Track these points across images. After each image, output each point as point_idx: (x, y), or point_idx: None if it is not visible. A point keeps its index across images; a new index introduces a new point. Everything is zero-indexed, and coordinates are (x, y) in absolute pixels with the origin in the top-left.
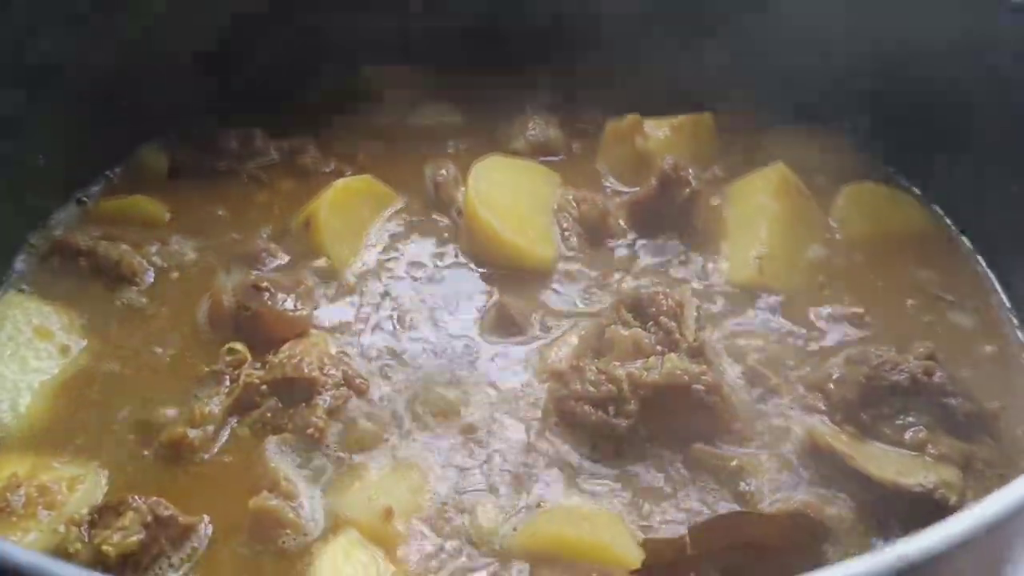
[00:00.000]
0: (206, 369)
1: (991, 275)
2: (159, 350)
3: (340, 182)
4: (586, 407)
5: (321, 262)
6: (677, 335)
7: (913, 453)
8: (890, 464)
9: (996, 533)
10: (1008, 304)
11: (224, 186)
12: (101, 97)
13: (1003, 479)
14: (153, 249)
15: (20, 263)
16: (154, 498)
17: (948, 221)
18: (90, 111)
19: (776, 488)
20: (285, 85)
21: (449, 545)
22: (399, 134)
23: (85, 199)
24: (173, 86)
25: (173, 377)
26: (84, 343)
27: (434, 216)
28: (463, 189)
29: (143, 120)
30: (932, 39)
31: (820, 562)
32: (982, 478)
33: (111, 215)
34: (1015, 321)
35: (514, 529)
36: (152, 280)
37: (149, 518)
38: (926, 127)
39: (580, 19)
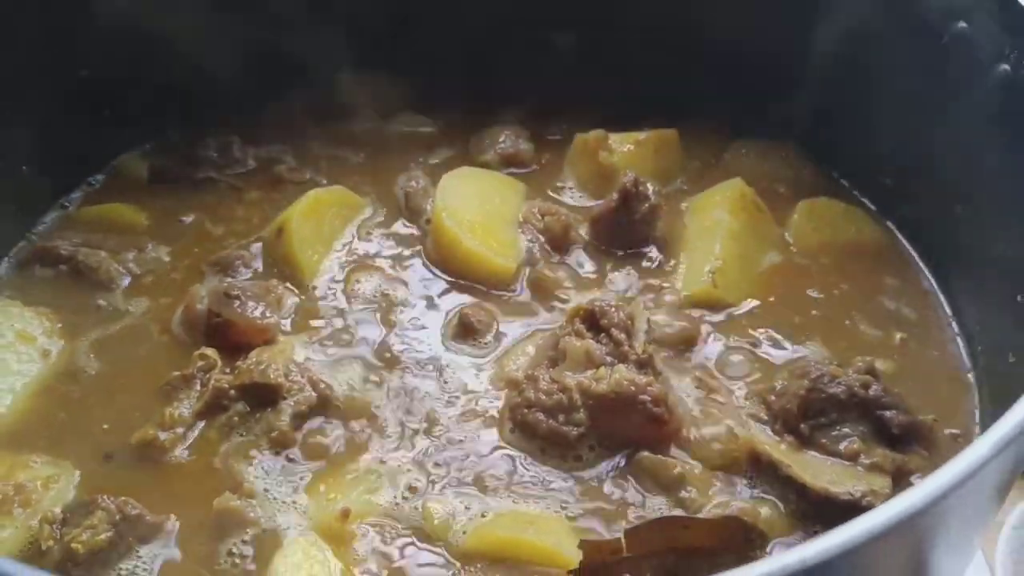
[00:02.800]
0: (177, 373)
1: (938, 290)
2: (135, 354)
3: (312, 192)
4: (538, 415)
5: (292, 271)
6: (626, 347)
7: (847, 463)
8: (824, 473)
9: (873, 545)
10: (950, 314)
11: (202, 194)
12: (83, 106)
13: None
14: (130, 256)
15: (3, 269)
16: (123, 498)
17: (900, 236)
18: (73, 120)
19: (716, 495)
20: (263, 95)
21: (401, 543)
22: (375, 143)
23: (67, 204)
24: (153, 96)
25: (147, 380)
26: (63, 346)
27: (403, 225)
28: (431, 199)
29: (125, 129)
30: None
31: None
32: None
33: (91, 221)
34: (955, 328)
35: (464, 532)
36: (128, 285)
37: (117, 517)
38: (882, 149)
39: (552, 33)
